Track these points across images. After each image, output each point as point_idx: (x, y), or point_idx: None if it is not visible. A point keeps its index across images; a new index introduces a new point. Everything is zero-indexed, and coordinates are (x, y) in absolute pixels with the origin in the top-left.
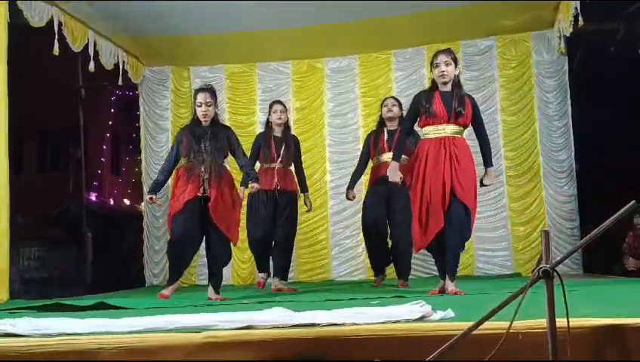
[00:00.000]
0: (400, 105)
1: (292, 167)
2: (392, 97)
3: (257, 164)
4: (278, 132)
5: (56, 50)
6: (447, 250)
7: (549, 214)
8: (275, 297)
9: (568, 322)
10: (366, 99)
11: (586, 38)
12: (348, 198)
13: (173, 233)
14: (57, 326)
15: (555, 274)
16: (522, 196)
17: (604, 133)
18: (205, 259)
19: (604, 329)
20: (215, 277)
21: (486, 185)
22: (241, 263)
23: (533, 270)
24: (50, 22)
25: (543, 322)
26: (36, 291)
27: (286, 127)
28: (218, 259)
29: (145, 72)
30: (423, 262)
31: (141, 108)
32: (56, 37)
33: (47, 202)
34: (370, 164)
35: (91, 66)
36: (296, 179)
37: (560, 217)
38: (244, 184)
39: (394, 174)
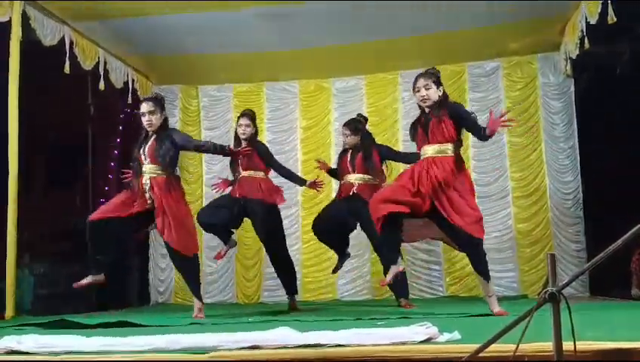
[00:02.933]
0: (357, 132)
1: (261, 175)
2: (349, 124)
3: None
4: (243, 141)
5: (67, 69)
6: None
7: (556, 236)
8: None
9: (575, 345)
10: (372, 119)
11: (592, 60)
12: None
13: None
14: (63, 344)
15: (561, 297)
16: (529, 217)
17: (610, 155)
18: (210, 276)
19: (610, 352)
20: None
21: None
22: (245, 281)
23: (540, 292)
24: (62, 41)
25: (549, 345)
26: (42, 307)
27: (252, 138)
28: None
29: (154, 91)
30: (428, 283)
31: None
32: (68, 55)
33: (54, 218)
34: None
35: (101, 85)
36: (266, 187)
37: (566, 239)
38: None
39: None
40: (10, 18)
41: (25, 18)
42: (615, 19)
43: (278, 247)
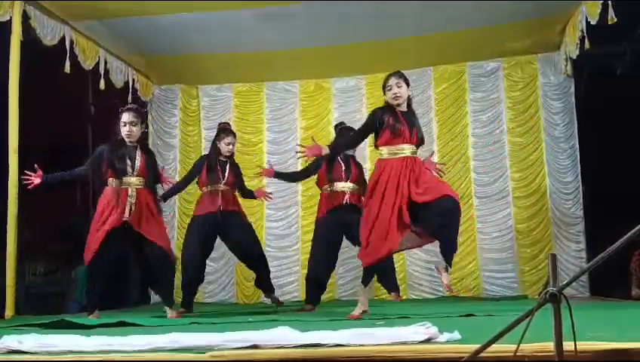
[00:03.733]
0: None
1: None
2: (349, 129)
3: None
4: (223, 157)
5: (67, 68)
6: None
7: (556, 236)
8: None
9: (575, 346)
10: None
11: (592, 60)
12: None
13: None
14: (63, 344)
15: (562, 297)
16: (529, 217)
17: (610, 155)
18: (210, 276)
19: (611, 353)
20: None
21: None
22: (245, 281)
23: (541, 293)
24: (62, 40)
25: (550, 345)
26: (42, 307)
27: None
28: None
29: (154, 90)
30: (428, 283)
31: (150, 126)
32: (68, 55)
33: (54, 218)
34: (319, 191)
35: (102, 84)
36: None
37: (566, 239)
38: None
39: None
40: (11, 17)
41: (25, 17)
42: (615, 20)
43: (259, 249)
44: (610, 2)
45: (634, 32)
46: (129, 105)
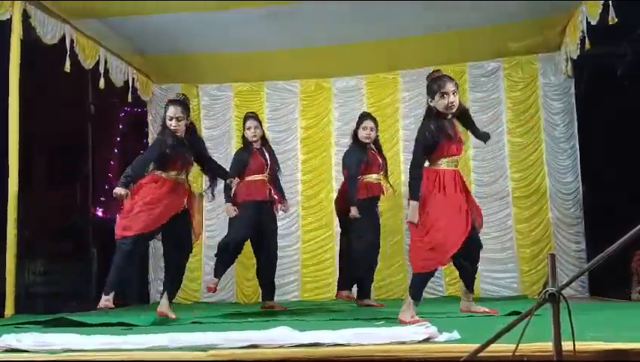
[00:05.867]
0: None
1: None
2: (372, 118)
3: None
4: (257, 145)
5: (67, 67)
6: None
7: (556, 236)
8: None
9: (574, 346)
10: None
11: (592, 60)
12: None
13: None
14: (62, 342)
15: (561, 297)
16: (528, 218)
17: (610, 155)
18: (210, 276)
19: (610, 353)
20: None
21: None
22: (245, 281)
23: (540, 293)
24: (63, 39)
25: (549, 345)
26: (42, 306)
27: (263, 140)
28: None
29: (154, 90)
30: (430, 283)
31: (150, 125)
32: (68, 54)
33: (54, 217)
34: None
35: (101, 83)
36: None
37: (566, 239)
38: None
39: (414, 214)
40: (11, 16)
41: (25, 16)
42: (616, 20)
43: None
44: (610, 2)
45: (634, 32)
46: (175, 97)
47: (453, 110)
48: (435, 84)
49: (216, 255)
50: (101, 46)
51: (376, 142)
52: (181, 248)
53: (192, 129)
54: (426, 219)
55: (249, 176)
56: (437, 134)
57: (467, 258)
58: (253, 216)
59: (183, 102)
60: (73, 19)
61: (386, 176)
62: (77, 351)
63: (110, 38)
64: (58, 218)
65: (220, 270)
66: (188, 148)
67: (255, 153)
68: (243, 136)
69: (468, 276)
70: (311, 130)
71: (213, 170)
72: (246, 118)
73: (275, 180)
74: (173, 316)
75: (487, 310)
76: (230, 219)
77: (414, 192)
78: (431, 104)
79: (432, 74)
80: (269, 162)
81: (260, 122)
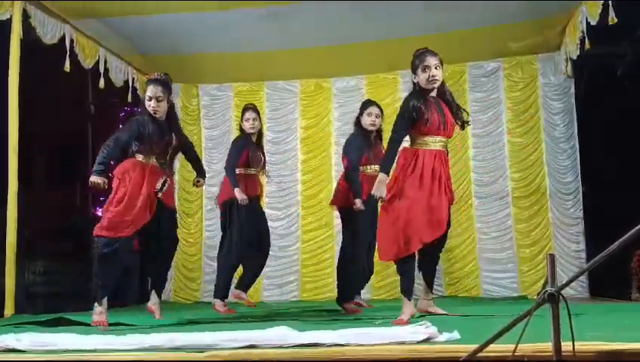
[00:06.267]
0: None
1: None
2: (377, 105)
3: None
4: (254, 138)
5: (67, 67)
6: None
7: (555, 236)
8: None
9: (574, 346)
10: None
11: (592, 60)
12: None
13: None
14: (61, 342)
15: (560, 297)
16: (528, 218)
17: (610, 155)
18: (210, 276)
19: (609, 353)
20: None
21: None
22: None
23: (539, 293)
24: (62, 39)
25: (548, 346)
26: (41, 305)
27: (259, 134)
28: None
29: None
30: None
31: None
32: (68, 54)
33: (53, 216)
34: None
35: (101, 83)
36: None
37: (566, 239)
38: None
39: (382, 189)
40: (11, 16)
41: (25, 16)
42: (616, 20)
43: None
44: (610, 2)
45: (634, 32)
46: (153, 76)
47: (435, 84)
48: (418, 59)
49: (223, 269)
50: (101, 46)
51: (379, 132)
52: (169, 240)
53: (172, 112)
54: (396, 203)
55: (242, 169)
56: (418, 108)
57: (431, 253)
58: (247, 214)
59: (163, 82)
60: (73, 19)
61: None
62: (75, 351)
63: (110, 38)
64: (58, 218)
65: (227, 287)
66: (168, 131)
67: (253, 146)
68: (240, 128)
69: (430, 270)
70: (311, 130)
71: (191, 162)
72: (245, 109)
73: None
74: (158, 316)
75: (446, 312)
76: (230, 219)
77: (385, 165)
78: (414, 80)
79: (416, 51)
80: (264, 158)
81: (259, 115)
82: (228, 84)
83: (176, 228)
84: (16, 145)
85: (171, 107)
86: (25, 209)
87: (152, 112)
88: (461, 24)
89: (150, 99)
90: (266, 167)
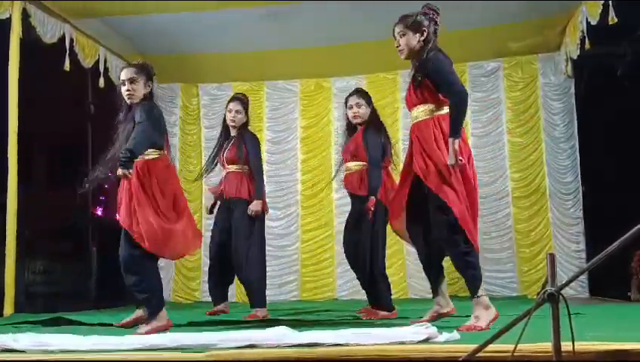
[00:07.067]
0: (370, 104)
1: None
2: (354, 93)
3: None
4: (233, 132)
5: (67, 66)
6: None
7: (555, 236)
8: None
9: (574, 346)
10: None
11: (592, 60)
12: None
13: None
14: (59, 343)
15: (560, 297)
16: (528, 218)
17: (610, 155)
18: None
19: (609, 353)
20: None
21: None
22: None
23: (539, 293)
24: (62, 38)
25: (548, 345)
26: (41, 305)
27: (243, 127)
28: None
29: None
30: (427, 283)
31: None
32: (68, 53)
33: (54, 217)
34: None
35: (101, 83)
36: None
37: (566, 239)
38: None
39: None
40: (11, 15)
41: (25, 16)
42: (616, 20)
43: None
44: (610, 2)
45: (634, 32)
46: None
47: (402, 56)
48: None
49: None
50: (101, 45)
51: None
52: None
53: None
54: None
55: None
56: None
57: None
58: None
59: (137, 64)
60: (73, 19)
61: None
62: (73, 351)
63: (110, 38)
64: (58, 218)
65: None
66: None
67: (228, 141)
68: (223, 120)
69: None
70: (311, 129)
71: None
72: (231, 99)
73: (251, 175)
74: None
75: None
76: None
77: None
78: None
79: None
80: (246, 151)
81: (245, 107)
82: (228, 84)
83: None
84: (16, 145)
85: (150, 93)
86: (25, 209)
87: (125, 97)
88: (461, 24)
89: (124, 83)
90: (253, 163)
